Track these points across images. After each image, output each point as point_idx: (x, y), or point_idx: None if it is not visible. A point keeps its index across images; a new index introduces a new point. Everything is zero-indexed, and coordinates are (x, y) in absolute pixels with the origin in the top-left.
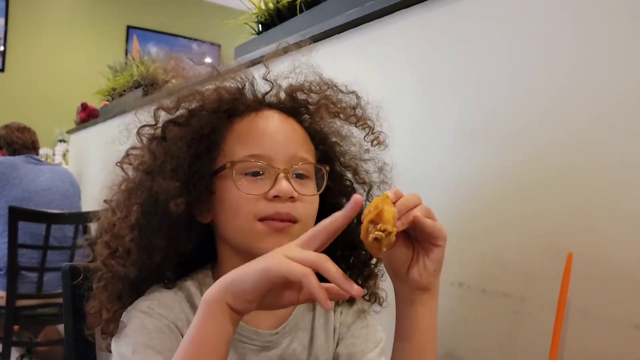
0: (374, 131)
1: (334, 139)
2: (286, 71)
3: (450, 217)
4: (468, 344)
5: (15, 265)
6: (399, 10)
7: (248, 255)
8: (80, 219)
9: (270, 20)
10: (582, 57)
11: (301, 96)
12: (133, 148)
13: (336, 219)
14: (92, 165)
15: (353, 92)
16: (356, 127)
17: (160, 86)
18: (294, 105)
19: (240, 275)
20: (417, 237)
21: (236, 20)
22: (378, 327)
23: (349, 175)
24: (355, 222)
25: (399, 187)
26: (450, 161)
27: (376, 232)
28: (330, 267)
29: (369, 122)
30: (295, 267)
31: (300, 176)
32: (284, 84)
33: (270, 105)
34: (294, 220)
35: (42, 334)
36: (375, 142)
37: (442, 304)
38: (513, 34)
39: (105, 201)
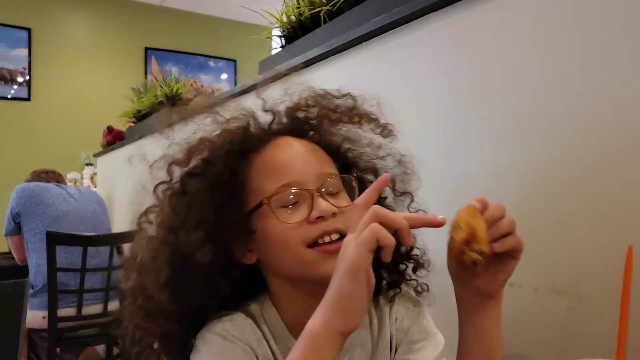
0: (379, 123)
1: (346, 146)
2: (278, 96)
3: None
4: (524, 345)
5: (55, 288)
6: (427, 14)
7: (304, 283)
8: (114, 240)
9: (293, 33)
10: (617, 48)
11: (301, 115)
12: (152, 206)
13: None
14: (120, 187)
15: (347, 94)
16: (360, 125)
17: (185, 104)
18: (298, 126)
19: (338, 290)
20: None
21: (259, 36)
22: (436, 329)
23: (370, 177)
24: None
25: (437, 188)
26: (491, 160)
27: (473, 255)
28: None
29: (371, 116)
30: (369, 240)
31: (332, 194)
32: (281, 108)
33: (279, 132)
34: (343, 234)
35: (83, 355)
36: (385, 133)
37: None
38: (543, 31)
39: (126, 262)
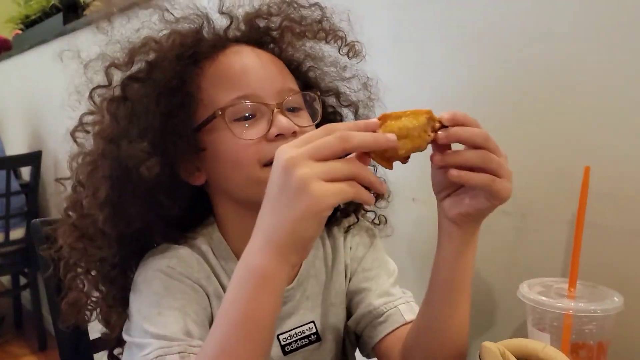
0: (347, 42)
1: (308, 64)
2: None
3: None
4: None
5: None
6: None
7: (256, 208)
8: (10, 164)
9: None
10: None
11: (261, 23)
12: (88, 114)
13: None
14: (11, 103)
15: (315, 4)
16: (327, 42)
17: (83, 10)
18: (256, 36)
19: (296, 233)
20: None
21: None
22: (388, 258)
23: (332, 100)
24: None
25: (388, 106)
26: (443, 72)
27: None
28: (368, 174)
29: (339, 33)
30: (347, 193)
31: (292, 110)
32: (240, 13)
33: (236, 40)
34: None
35: None
36: (351, 54)
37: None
38: None
39: (58, 180)
